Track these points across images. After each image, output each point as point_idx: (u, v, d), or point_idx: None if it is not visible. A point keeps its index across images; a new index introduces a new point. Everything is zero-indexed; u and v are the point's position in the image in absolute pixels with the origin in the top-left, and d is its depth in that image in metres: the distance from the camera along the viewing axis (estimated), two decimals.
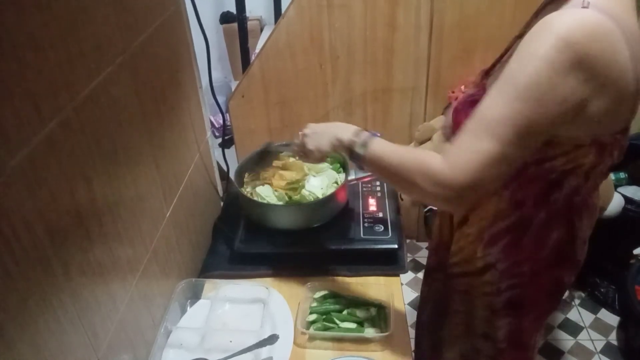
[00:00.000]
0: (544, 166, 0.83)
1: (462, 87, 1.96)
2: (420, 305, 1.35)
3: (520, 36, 0.90)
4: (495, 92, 0.74)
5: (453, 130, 0.95)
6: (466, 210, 0.76)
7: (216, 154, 1.50)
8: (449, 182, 0.75)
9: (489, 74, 0.94)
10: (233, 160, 1.66)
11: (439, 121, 2.02)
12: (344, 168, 1.32)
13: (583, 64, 0.68)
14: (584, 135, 0.78)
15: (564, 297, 1.13)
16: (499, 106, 0.73)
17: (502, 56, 0.94)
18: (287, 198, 1.24)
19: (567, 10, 0.72)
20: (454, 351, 1.18)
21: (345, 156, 0.95)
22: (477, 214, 0.97)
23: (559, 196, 0.88)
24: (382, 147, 0.88)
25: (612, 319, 2.06)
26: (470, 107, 0.86)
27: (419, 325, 1.36)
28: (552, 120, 0.73)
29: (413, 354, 1.02)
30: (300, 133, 1.05)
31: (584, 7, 0.70)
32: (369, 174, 1.27)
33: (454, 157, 0.76)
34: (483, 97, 0.86)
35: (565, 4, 0.74)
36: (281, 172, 1.29)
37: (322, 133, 0.99)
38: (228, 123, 1.97)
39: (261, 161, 1.34)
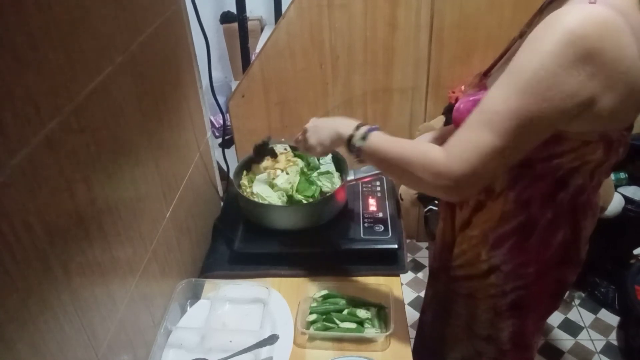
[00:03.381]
0: (552, 163, 0.83)
1: (462, 87, 1.96)
2: (423, 305, 1.35)
3: (520, 36, 0.90)
4: (499, 85, 0.74)
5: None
6: (465, 199, 0.78)
7: (216, 154, 1.50)
8: (446, 173, 0.76)
9: (487, 74, 0.94)
10: (233, 160, 1.66)
11: (439, 121, 2.02)
12: (342, 169, 1.32)
13: (593, 58, 0.68)
14: (593, 131, 0.78)
15: (564, 297, 1.13)
16: (501, 99, 0.73)
17: (501, 56, 0.94)
18: (285, 198, 1.24)
19: (575, 5, 0.71)
20: (455, 353, 1.18)
21: (345, 151, 0.96)
22: (480, 217, 0.97)
23: (565, 196, 0.87)
24: (381, 140, 0.88)
25: (612, 319, 2.07)
26: (472, 106, 0.86)
27: (420, 324, 1.36)
28: (557, 115, 0.72)
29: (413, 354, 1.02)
30: (304, 127, 1.06)
31: (591, 3, 0.70)
32: (369, 174, 1.26)
33: (452, 148, 0.77)
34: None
35: (571, 0, 0.73)
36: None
37: (323, 128, 1.00)
38: (228, 123, 1.97)
39: (258, 157, 1.34)
